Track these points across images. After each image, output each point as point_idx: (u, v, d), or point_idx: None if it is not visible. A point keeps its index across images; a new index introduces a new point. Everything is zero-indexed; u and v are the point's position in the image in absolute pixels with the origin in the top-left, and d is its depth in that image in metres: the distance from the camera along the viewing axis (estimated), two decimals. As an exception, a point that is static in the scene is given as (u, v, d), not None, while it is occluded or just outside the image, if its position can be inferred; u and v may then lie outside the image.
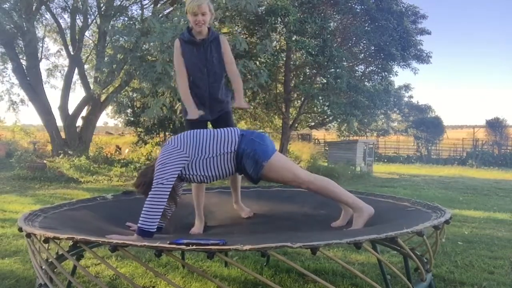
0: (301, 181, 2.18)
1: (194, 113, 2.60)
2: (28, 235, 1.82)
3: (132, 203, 2.70)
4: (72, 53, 10.88)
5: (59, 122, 10.73)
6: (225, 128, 2.22)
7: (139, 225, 1.95)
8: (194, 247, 1.49)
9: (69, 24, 11.29)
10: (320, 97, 10.13)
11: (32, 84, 10.12)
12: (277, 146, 11.93)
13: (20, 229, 1.89)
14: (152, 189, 1.99)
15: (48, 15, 11.38)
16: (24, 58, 10.25)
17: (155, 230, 1.97)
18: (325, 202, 2.61)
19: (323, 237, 1.78)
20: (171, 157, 2.06)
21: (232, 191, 2.80)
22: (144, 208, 1.97)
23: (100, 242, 1.65)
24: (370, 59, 11.39)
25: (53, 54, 13.62)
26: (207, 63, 2.58)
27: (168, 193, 2.01)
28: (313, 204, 2.81)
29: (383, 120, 21.45)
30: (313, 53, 9.09)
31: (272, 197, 3.11)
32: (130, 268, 2.96)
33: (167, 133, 13.38)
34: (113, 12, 9.73)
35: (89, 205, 2.70)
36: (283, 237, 2.06)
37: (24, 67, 10.14)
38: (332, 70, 9.67)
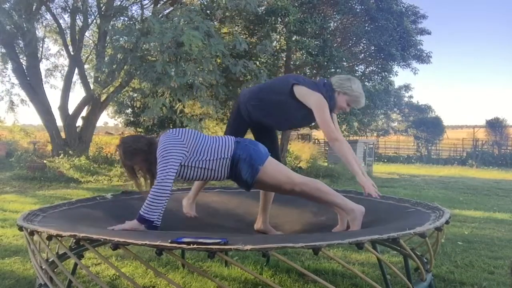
0: (294, 183, 2.21)
1: None
2: (31, 233, 1.81)
3: (131, 203, 2.70)
4: (72, 53, 10.87)
5: (59, 122, 10.72)
6: (221, 136, 2.26)
7: (141, 212, 2.00)
8: (195, 246, 1.49)
9: (69, 24, 11.28)
10: (320, 97, 10.11)
11: (32, 84, 10.11)
12: (277, 146, 11.95)
13: (20, 228, 1.89)
14: (157, 179, 2.02)
15: (48, 15, 11.36)
16: (24, 58, 10.24)
17: (155, 221, 2.01)
18: (325, 206, 2.61)
19: (325, 237, 1.78)
20: (173, 146, 2.09)
21: (261, 211, 2.59)
22: (148, 197, 2.00)
23: (102, 239, 1.65)
24: (370, 59, 11.39)
25: (53, 54, 13.64)
26: (294, 119, 2.49)
27: (172, 183, 2.05)
28: (313, 205, 2.81)
29: (383, 120, 21.48)
30: (313, 53, 9.09)
31: (272, 200, 3.11)
32: (130, 268, 2.96)
33: (167, 133, 13.33)
34: (113, 12, 9.72)
35: (88, 204, 2.70)
36: (284, 237, 2.07)
37: (24, 67, 10.14)
38: (332, 70, 9.66)
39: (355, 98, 2.35)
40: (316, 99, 2.29)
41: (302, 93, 2.31)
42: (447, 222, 1.99)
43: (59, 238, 1.72)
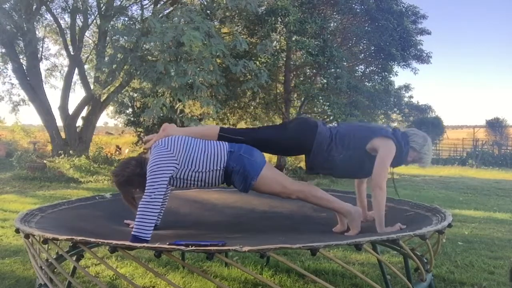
0: (290, 191, 2.20)
1: None
2: (27, 236, 1.80)
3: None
4: (72, 53, 10.88)
5: (59, 122, 10.73)
6: (214, 143, 2.19)
7: (133, 233, 1.92)
8: (193, 248, 1.49)
9: (69, 24, 11.28)
10: (320, 97, 10.12)
11: (32, 84, 10.11)
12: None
13: (17, 230, 1.88)
14: (145, 195, 1.97)
15: (48, 15, 11.38)
16: (24, 58, 10.25)
17: (150, 238, 1.94)
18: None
19: (324, 238, 1.78)
20: (163, 161, 2.04)
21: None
22: (137, 215, 1.94)
23: (100, 242, 1.64)
24: (370, 59, 11.37)
25: (53, 54, 13.66)
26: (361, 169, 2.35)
27: (161, 198, 2.00)
28: (314, 205, 2.80)
29: (383, 120, 21.41)
30: (313, 53, 9.08)
31: (272, 196, 3.11)
32: (130, 268, 2.96)
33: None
34: (113, 12, 9.72)
35: (87, 204, 2.69)
36: (283, 238, 2.07)
37: (24, 67, 10.14)
38: (332, 70, 9.65)
39: (424, 160, 2.32)
40: (388, 144, 2.22)
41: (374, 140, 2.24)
42: (449, 226, 1.99)
43: (56, 242, 1.71)
